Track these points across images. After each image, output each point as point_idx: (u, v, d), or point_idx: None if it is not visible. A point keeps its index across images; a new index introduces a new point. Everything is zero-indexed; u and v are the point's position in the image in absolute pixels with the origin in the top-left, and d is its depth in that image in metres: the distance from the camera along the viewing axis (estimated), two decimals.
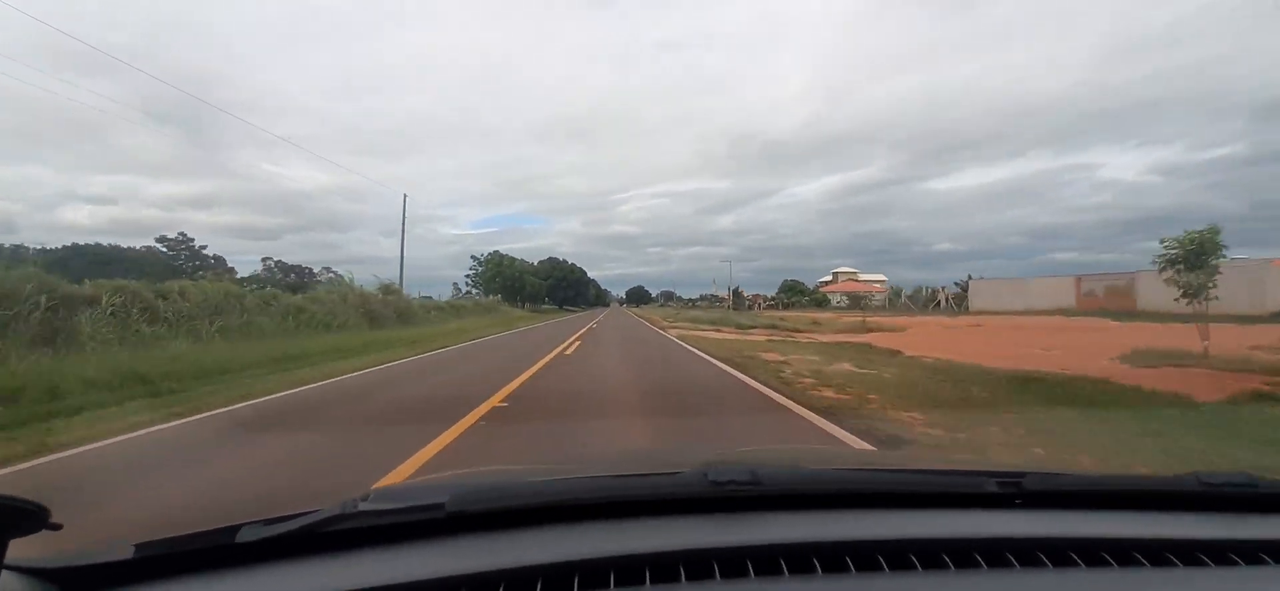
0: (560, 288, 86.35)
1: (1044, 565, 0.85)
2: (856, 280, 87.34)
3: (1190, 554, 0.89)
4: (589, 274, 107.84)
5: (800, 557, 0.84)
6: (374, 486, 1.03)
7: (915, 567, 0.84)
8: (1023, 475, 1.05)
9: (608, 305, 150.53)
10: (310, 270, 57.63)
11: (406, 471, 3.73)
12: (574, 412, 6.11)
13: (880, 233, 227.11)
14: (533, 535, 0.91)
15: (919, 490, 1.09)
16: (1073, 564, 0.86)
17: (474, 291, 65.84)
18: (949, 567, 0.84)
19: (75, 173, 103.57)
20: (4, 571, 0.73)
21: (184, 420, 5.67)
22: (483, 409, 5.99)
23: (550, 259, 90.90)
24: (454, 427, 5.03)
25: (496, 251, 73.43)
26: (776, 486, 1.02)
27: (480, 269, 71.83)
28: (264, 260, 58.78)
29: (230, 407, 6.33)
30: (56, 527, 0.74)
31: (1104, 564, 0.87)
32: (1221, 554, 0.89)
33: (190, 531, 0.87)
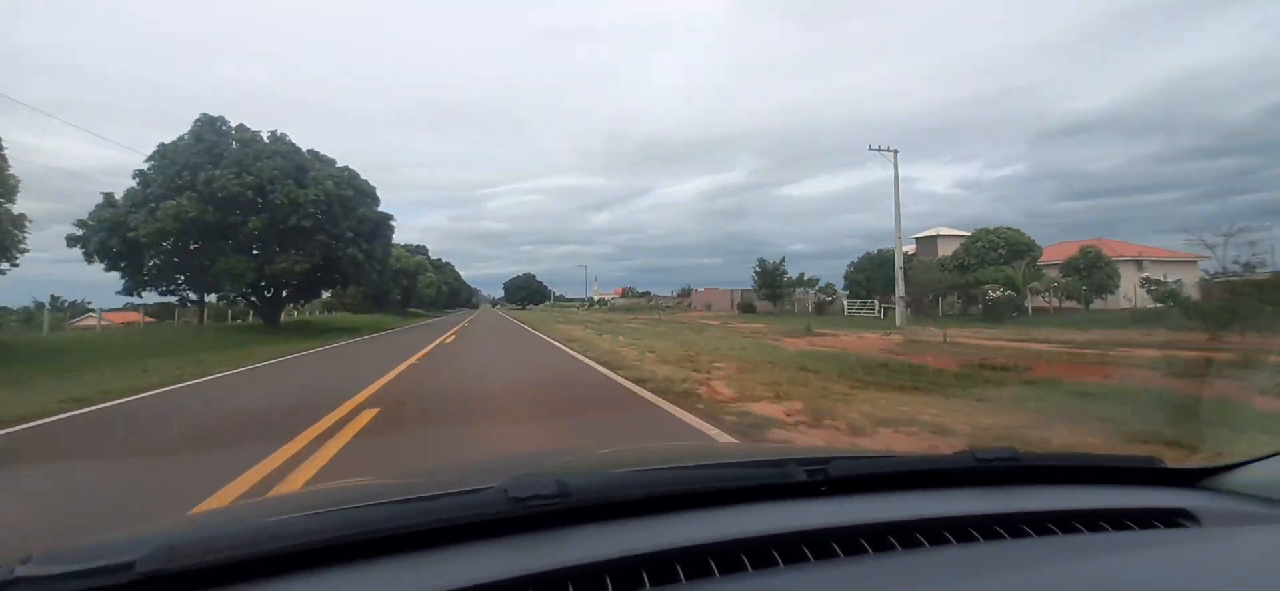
0: (284, 238, 21.60)
1: (836, 555, 0.86)
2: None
3: (964, 530, 0.93)
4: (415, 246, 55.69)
5: (592, 579, 0.79)
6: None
7: (713, 574, 0.82)
8: (829, 460, 1.08)
9: (475, 307, 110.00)
10: None
11: None
12: None
13: (744, 234, 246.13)
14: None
15: (731, 486, 1.06)
16: (862, 551, 0.88)
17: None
18: (747, 569, 0.83)
19: None
20: None
21: None
22: None
23: (279, 134, 22.59)
24: None
25: None
26: (585, 497, 0.93)
27: None
28: None
29: None
30: None
31: (890, 548, 0.89)
32: (990, 528, 0.94)
33: None
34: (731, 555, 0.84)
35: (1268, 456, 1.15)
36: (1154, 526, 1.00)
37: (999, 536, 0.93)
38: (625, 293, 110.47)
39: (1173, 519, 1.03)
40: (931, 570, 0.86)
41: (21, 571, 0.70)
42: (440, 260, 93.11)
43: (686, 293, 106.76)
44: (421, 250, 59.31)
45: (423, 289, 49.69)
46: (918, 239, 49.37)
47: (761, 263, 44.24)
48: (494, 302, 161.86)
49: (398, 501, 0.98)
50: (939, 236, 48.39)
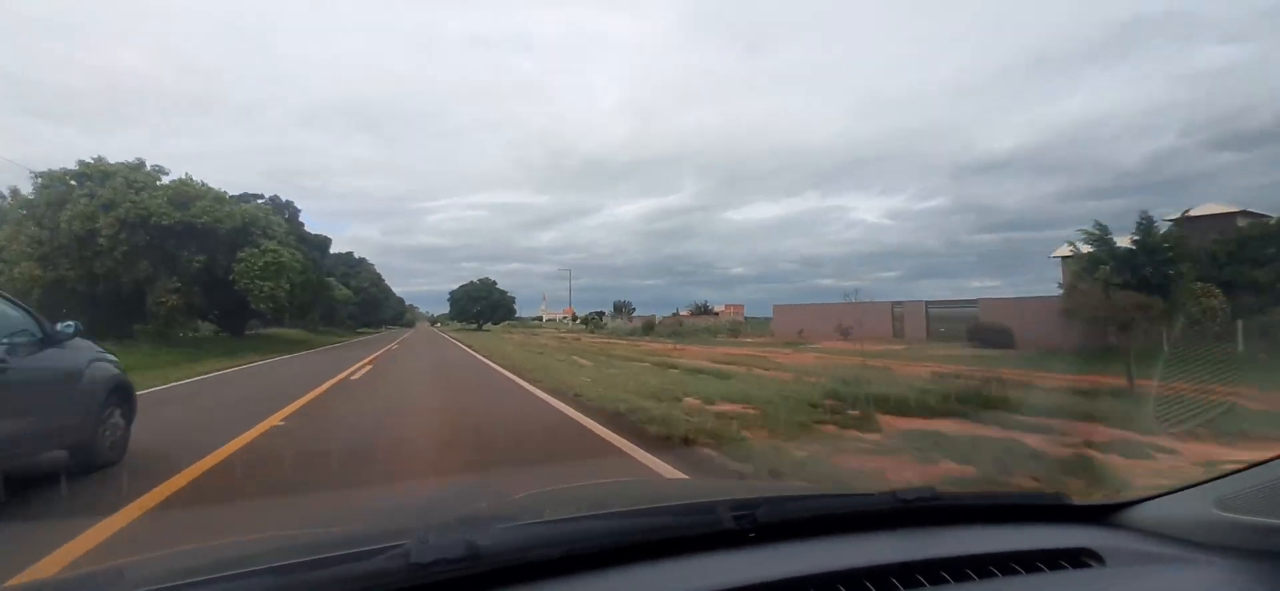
0: None
1: None
2: None
3: (885, 580, 0.93)
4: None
5: None
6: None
7: None
8: (757, 504, 1.06)
9: (410, 325, 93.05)
10: None
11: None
12: None
13: (690, 255, 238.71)
14: None
15: (658, 538, 1.00)
16: None
17: None
18: None
19: None
20: None
21: None
22: None
23: None
24: None
25: None
26: (499, 559, 0.86)
27: None
28: None
29: None
30: None
31: None
32: (911, 575, 0.94)
33: None
34: None
35: (1168, 492, 1.16)
36: (1062, 567, 1.01)
37: (919, 585, 0.93)
38: (622, 309, 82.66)
39: (1080, 559, 1.04)
40: None
41: None
42: (353, 256, 62.35)
43: (704, 309, 79.68)
44: (278, 206, 29.09)
45: (253, 278, 19.87)
46: (1187, 218, 24.26)
47: (1147, 222, 18.03)
48: (433, 321, 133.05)
49: (275, 570, 0.84)
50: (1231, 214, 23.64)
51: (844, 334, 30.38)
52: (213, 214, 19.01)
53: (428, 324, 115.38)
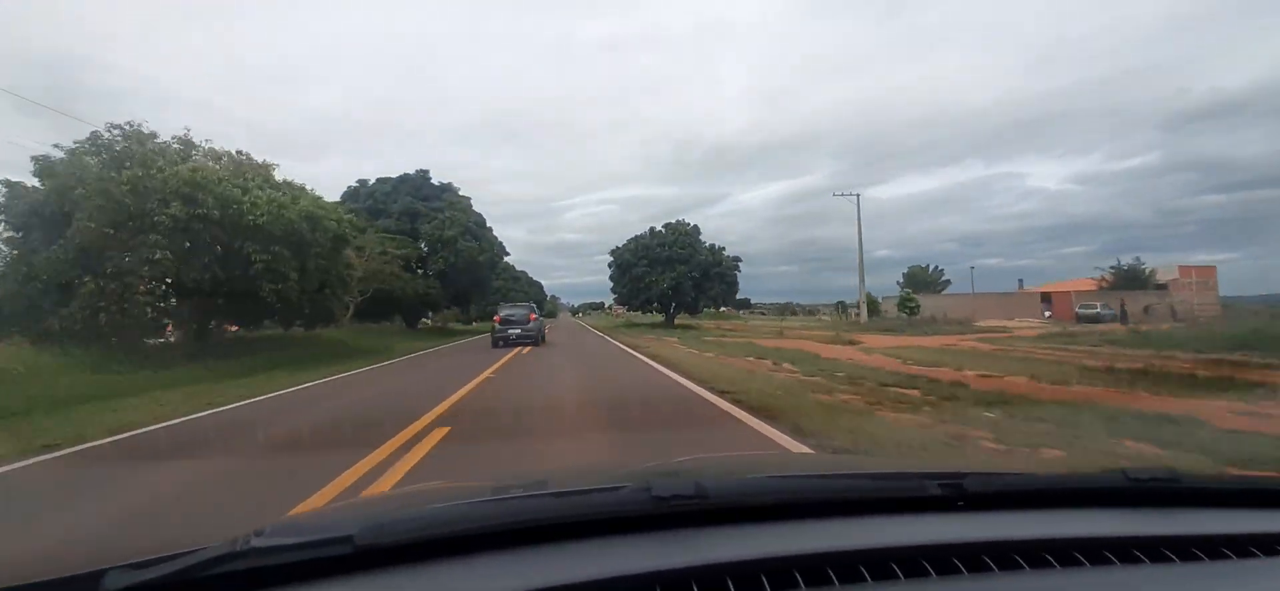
0: None
1: (991, 569, 0.85)
2: None
3: (1126, 551, 0.90)
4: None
5: (748, 576, 0.81)
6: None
7: (866, 579, 0.82)
8: (964, 476, 1.06)
9: (552, 316, 79.17)
10: None
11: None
12: None
13: (825, 239, 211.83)
14: (456, 568, 0.84)
15: (864, 497, 1.06)
16: (1017, 567, 0.86)
17: None
18: (899, 578, 0.83)
19: None
20: None
21: None
22: None
23: None
24: None
25: None
26: (722, 499, 0.98)
27: None
28: None
29: None
30: None
31: (1047, 565, 0.87)
32: (1155, 549, 0.91)
33: (47, 578, 0.79)
34: (880, 563, 0.82)
35: None
36: None
37: (1166, 559, 0.88)
38: (927, 280, 44.96)
39: None
40: (1098, 589, 0.83)
41: (257, 542, 0.79)
42: (430, 179, 31.83)
43: (1138, 276, 37.87)
44: None
45: None
46: None
47: None
48: (574, 311, 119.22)
49: (557, 494, 1.04)
50: None
51: None
52: None
53: (568, 314, 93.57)
